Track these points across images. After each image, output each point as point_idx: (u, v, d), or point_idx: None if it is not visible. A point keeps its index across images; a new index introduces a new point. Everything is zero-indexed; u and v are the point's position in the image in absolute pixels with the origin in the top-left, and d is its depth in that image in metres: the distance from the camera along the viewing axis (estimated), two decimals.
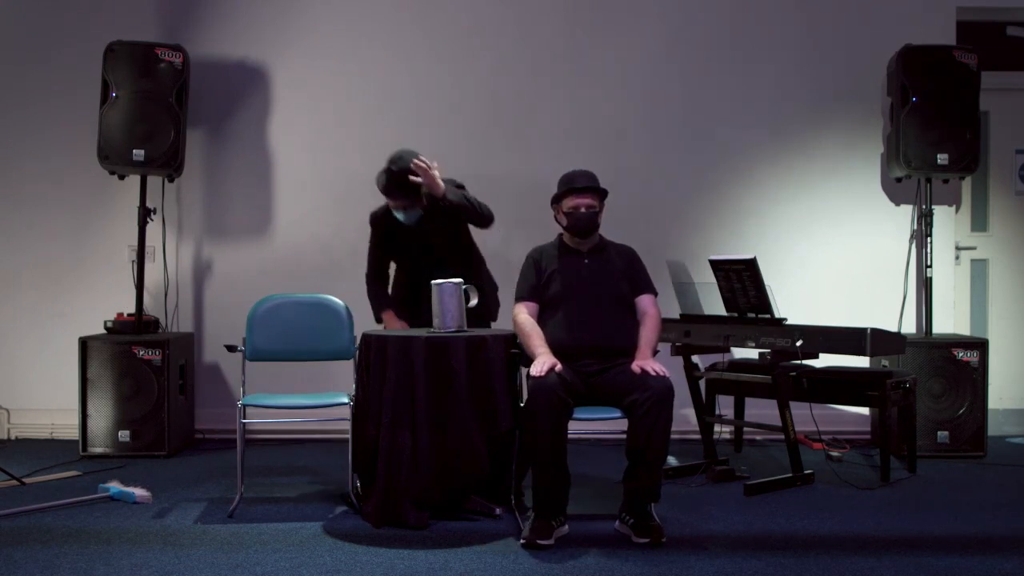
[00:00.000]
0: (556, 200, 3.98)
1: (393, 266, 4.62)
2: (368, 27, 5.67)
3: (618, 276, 3.95)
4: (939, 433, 5.05)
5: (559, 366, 3.62)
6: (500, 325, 4.41)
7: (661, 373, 3.64)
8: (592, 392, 3.75)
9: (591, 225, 3.92)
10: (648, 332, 3.88)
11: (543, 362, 3.62)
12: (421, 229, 4.35)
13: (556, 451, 3.54)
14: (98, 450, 5.04)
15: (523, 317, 3.88)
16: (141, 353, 5.04)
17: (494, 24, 5.69)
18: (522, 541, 3.48)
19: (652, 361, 3.74)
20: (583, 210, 3.88)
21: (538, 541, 3.45)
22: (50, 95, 5.57)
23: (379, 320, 4.50)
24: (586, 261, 3.96)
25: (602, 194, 3.95)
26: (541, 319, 3.90)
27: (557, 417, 3.51)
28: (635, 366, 3.70)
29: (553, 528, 3.52)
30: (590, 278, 3.92)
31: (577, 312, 3.86)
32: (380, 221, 4.49)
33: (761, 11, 5.67)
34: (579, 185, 3.91)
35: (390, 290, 4.57)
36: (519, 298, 3.96)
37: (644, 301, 3.96)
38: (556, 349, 3.75)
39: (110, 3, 5.60)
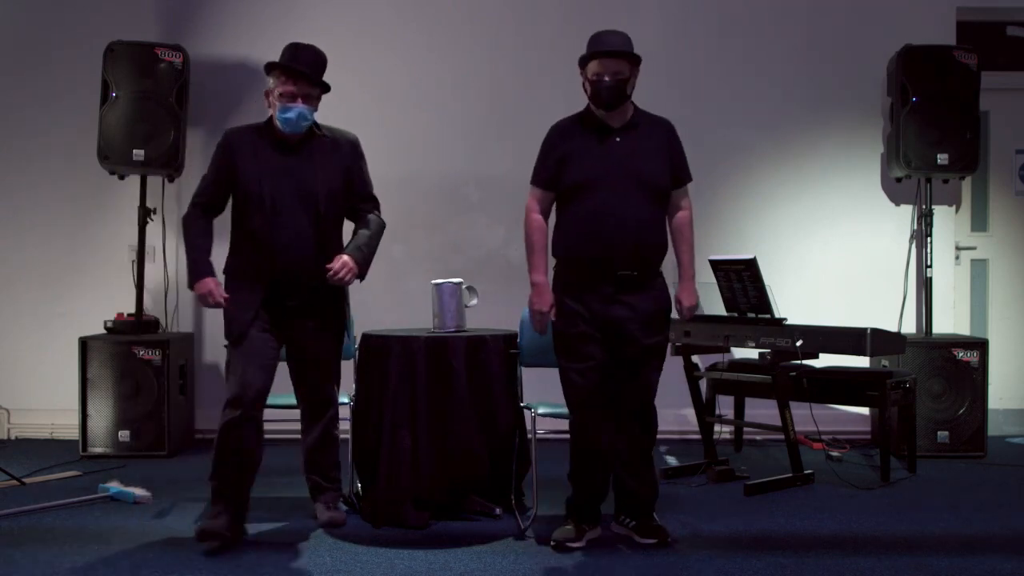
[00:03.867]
0: (582, 64, 3.44)
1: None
2: (368, 28, 5.66)
3: (654, 159, 3.42)
4: (939, 433, 5.05)
5: (553, 312, 3.36)
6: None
7: (693, 306, 3.51)
8: (602, 331, 3.39)
9: (616, 97, 3.36)
10: (686, 248, 3.50)
11: (540, 303, 3.34)
12: (307, 156, 3.55)
13: (604, 456, 3.49)
14: (98, 450, 5.04)
15: (534, 216, 3.44)
16: (141, 353, 5.03)
17: (493, 24, 5.68)
18: (552, 543, 3.45)
19: (690, 295, 3.50)
20: (607, 79, 3.33)
21: (568, 544, 3.43)
22: (50, 95, 5.57)
23: (191, 286, 3.49)
24: (618, 139, 3.40)
25: (635, 60, 3.39)
26: (559, 211, 3.46)
27: (602, 427, 3.46)
28: (676, 299, 3.49)
29: (585, 531, 3.51)
30: (620, 163, 3.36)
31: (602, 205, 3.33)
32: (239, 141, 3.53)
33: (761, 11, 5.66)
34: (605, 49, 3.34)
35: (226, 257, 3.62)
36: (533, 183, 3.49)
37: (677, 195, 3.54)
38: (572, 263, 3.40)
39: (110, 3, 5.60)
